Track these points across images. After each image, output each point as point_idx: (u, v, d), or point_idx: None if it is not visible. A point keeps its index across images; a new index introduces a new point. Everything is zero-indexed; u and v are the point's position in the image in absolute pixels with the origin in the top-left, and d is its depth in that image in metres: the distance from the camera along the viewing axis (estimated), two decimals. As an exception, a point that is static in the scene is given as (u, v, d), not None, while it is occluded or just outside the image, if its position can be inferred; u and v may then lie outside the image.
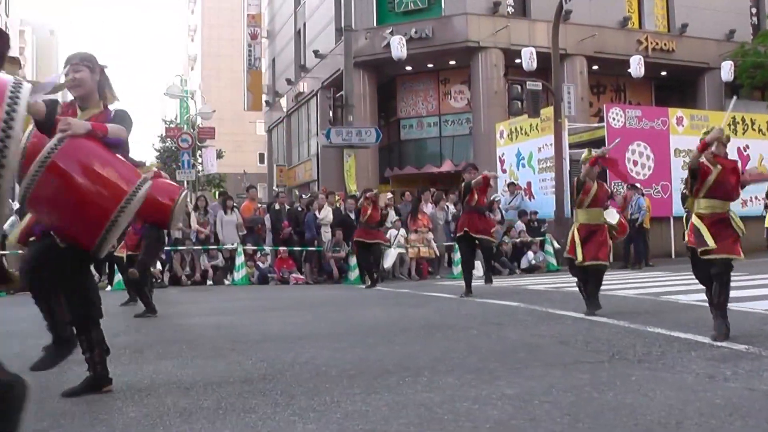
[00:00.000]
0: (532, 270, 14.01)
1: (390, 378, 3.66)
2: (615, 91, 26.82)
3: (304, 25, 31.52)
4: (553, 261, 14.37)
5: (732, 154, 16.94)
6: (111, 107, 3.59)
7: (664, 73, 26.35)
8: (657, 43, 24.97)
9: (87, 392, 3.41)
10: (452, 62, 24.66)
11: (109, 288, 11.44)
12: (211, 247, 12.78)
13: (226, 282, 12.57)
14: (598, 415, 2.87)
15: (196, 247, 12.69)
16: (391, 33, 22.46)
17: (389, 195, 14.97)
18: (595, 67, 24.92)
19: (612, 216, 10.15)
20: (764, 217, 13.39)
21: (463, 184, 8.65)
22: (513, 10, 24.00)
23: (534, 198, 16.84)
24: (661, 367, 3.82)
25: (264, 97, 38.47)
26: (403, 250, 13.20)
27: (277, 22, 37.08)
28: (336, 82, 23.71)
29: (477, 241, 8.67)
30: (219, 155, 32.03)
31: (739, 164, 5.10)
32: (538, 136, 16.64)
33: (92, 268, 3.85)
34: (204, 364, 4.22)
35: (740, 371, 3.64)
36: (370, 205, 10.96)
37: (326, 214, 13.44)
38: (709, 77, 25.89)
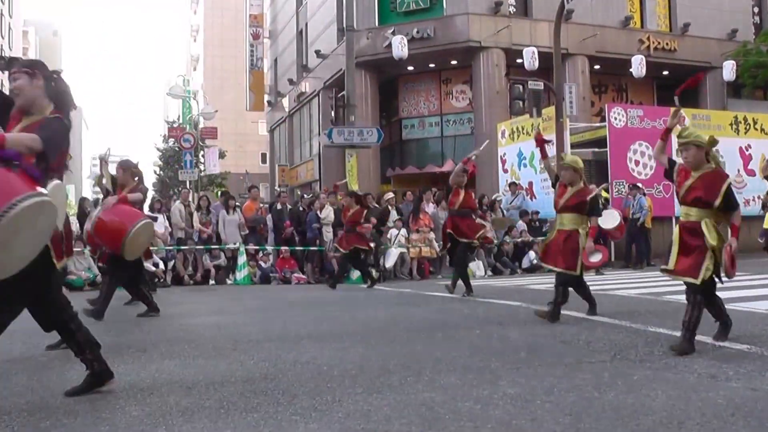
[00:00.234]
0: (533, 270, 14.01)
1: (392, 377, 3.67)
2: (617, 91, 26.79)
3: (306, 25, 31.54)
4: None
5: (734, 153, 17.17)
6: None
7: (666, 73, 26.31)
8: (659, 43, 24.94)
9: (90, 390, 3.41)
10: (454, 62, 24.65)
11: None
12: (213, 246, 12.79)
13: (229, 282, 12.59)
14: (600, 415, 2.87)
15: (198, 247, 12.70)
16: (393, 33, 22.45)
17: (391, 194, 14.98)
18: (596, 67, 24.89)
19: (610, 220, 10.20)
20: (764, 216, 13.37)
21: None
22: (514, 10, 23.98)
23: (535, 198, 16.83)
24: (663, 366, 3.82)
25: (266, 97, 38.49)
26: (404, 250, 13.21)
27: (279, 23, 37.10)
28: (338, 82, 23.72)
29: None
30: (221, 155, 32.07)
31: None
32: (539, 136, 16.60)
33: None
34: (206, 364, 4.22)
35: (742, 371, 3.64)
36: (350, 202, 10.72)
37: (328, 213, 13.45)
38: (711, 77, 25.83)
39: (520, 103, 16.02)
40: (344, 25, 19.60)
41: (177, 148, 31.13)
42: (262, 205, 14.47)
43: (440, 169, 24.91)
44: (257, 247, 13.02)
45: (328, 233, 13.32)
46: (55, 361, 4.44)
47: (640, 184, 14.66)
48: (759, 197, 15.19)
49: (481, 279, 12.85)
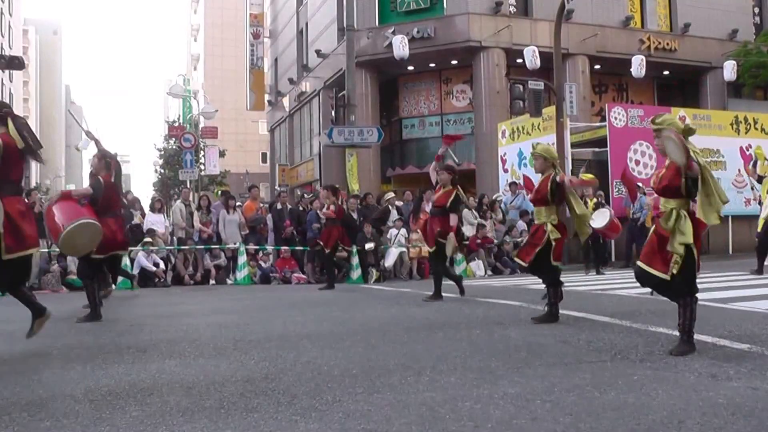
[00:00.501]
0: (534, 270, 13.97)
1: (392, 377, 3.67)
2: (617, 91, 26.80)
3: (307, 24, 31.55)
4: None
5: (735, 153, 17.17)
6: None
7: (666, 73, 26.33)
8: (659, 43, 24.95)
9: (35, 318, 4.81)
10: (454, 62, 24.66)
11: (113, 287, 11.44)
12: (213, 246, 12.79)
13: (229, 281, 12.59)
14: (600, 415, 2.87)
15: (198, 247, 12.70)
16: (393, 32, 22.47)
17: (391, 194, 14.98)
18: (597, 67, 24.90)
19: (600, 218, 10.20)
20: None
21: None
22: (515, 10, 24.00)
23: (536, 198, 16.79)
24: (663, 366, 3.82)
25: (266, 97, 38.52)
26: (404, 250, 13.20)
27: (280, 22, 37.11)
28: (338, 81, 23.74)
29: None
30: (221, 154, 32.09)
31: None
32: (539, 135, 16.62)
33: None
34: (206, 364, 4.22)
35: (743, 370, 3.64)
36: (327, 195, 10.51)
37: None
38: (711, 77, 25.85)
39: (521, 102, 16.02)
40: (344, 25, 19.61)
41: (177, 148, 31.14)
42: (262, 204, 14.47)
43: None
44: (257, 247, 13.02)
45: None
46: (56, 360, 4.44)
47: (640, 184, 14.66)
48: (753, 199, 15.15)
49: (481, 279, 12.85)
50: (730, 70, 23.54)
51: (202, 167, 27.81)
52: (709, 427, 2.67)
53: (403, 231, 13.36)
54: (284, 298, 9.32)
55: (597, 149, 16.64)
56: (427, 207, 14.13)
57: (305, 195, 16.78)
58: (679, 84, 27.28)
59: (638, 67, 22.50)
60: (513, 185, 17.06)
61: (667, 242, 4.18)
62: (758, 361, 3.87)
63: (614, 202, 14.63)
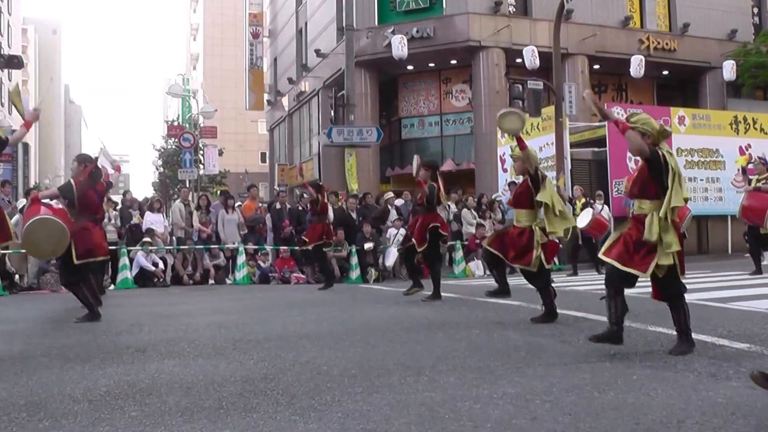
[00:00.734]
0: (533, 269, 13.97)
1: (391, 377, 3.66)
2: (616, 91, 26.81)
3: (306, 24, 31.55)
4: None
5: (734, 153, 17.16)
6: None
7: (665, 73, 26.34)
8: (658, 43, 24.96)
9: None
10: (453, 61, 24.66)
11: (112, 287, 11.46)
12: (212, 246, 12.78)
13: (228, 281, 12.58)
14: (600, 415, 2.87)
15: (197, 247, 12.69)
16: (393, 32, 22.46)
17: (391, 194, 14.96)
18: (596, 67, 24.92)
19: (584, 218, 10.27)
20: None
21: None
22: (514, 10, 24.00)
23: (535, 197, 16.81)
24: (663, 366, 3.81)
25: (266, 97, 38.51)
26: (404, 249, 13.18)
27: (279, 21, 37.11)
28: (337, 81, 23.73)
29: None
30: (219, 153, 32.10)
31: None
32: (539, 135, 16.63)
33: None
34: (205, 364, 4.22)
35: (742, 370, 3.63)
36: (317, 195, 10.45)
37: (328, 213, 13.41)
38: (710, 77, 25.87)
39: (520, 102, 16.01)
40: (344, 25, 19.62)
41: (176, 147, 31.13)
42: (261, 204, 14.46)
43: (440, 169, 24.91)
44: (256, 247, 13.01)
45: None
46: (55, 361, 4.43)
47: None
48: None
49: (480, 279, 12.84)
50: (729, 70, 23.55)
51: (202, 167, 27.80)
52: (708, 427, 2.67)
53: (402, 231, 13.34)
54: (283, 298, 9.31)
55: (596, 149, 16.63)
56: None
57: (304, 195, 16.77)
58: (678, 84, 27.30)
59: (637, 67, 22.51)
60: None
61: (643, 244, 4.10)
62: (758, 361, 3.87)
63: (614, 202, 14.63)
